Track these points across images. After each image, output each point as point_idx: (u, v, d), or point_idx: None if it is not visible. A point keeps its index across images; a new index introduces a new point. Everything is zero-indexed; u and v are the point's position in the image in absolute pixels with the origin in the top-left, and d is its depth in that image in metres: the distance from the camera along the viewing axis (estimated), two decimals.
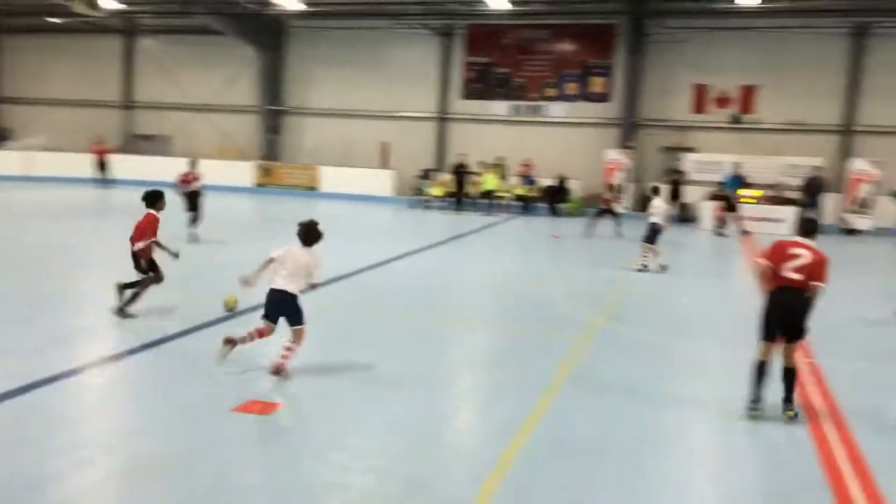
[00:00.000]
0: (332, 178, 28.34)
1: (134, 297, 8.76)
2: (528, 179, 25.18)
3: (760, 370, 6.30)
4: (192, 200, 15.53)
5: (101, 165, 27.64)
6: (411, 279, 12.85)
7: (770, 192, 22.85)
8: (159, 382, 6.93)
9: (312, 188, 28.53)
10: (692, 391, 7.32)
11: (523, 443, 5.78)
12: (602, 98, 27.30)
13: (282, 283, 7.01)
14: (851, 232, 22.49)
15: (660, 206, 14.12)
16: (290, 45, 30.62)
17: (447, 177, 25.97)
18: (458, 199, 24.80)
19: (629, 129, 26.28)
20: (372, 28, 28.70)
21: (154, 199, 9.04)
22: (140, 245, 8.78)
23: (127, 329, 8.46)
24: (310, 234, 7.23)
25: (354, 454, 5.44)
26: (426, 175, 26.84)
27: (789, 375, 6.33)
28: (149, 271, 8.88)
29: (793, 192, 22.73)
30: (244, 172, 29.01)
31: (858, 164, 22.65)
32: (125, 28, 32.08)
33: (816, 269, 6.27)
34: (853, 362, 8.54)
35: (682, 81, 26.31)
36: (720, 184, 23.24)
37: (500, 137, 27.94)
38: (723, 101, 26.05)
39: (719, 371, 8.19)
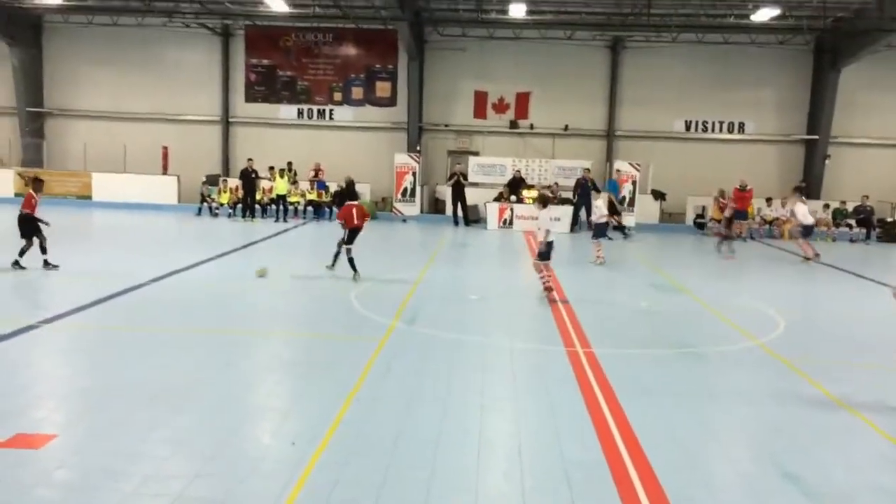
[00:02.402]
0: (106, 185, 26.34)
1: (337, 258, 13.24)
2: (320, 184, 25.01)
3: None
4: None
5: None
6: (201, 291, 12.27)
7: (546, 193, 24.42)
8: None
9: (85, 196, 26.34)
10: (481, 386, 7.67)
11: (325, 449, 5.75)
12: (388, 103, 27.78)
13: (551, 237, 12.01)
14: (618, 228, 24.64)
15: (601, 207, 16.82)
16: (50, 42, 28.09)
17: (236, 182, 25.08)
18: (247, 205, 24.02)
19: (415, 133, 26.97)
20: (143, 26, 27.08)
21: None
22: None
23: None
24: (548, 199, 12.79)
25: (141, 481, 5.11)
26: (212, 181, 25.75)
27: None
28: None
29: (567, 193, 24.49)
30: (3, 181, 26.12)
31: (620, 166, 24.90)
32: None
33: None
34: (623, 350, 9.38)
35: (463, 87, 27.47)
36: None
37: (288, 142, 27.56)
38: (501, 107, 27.53)
39: (506, 365, 8.63)
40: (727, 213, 19.90)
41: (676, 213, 26.17)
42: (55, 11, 26.19)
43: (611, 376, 7.96)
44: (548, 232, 12.03)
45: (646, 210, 25.23)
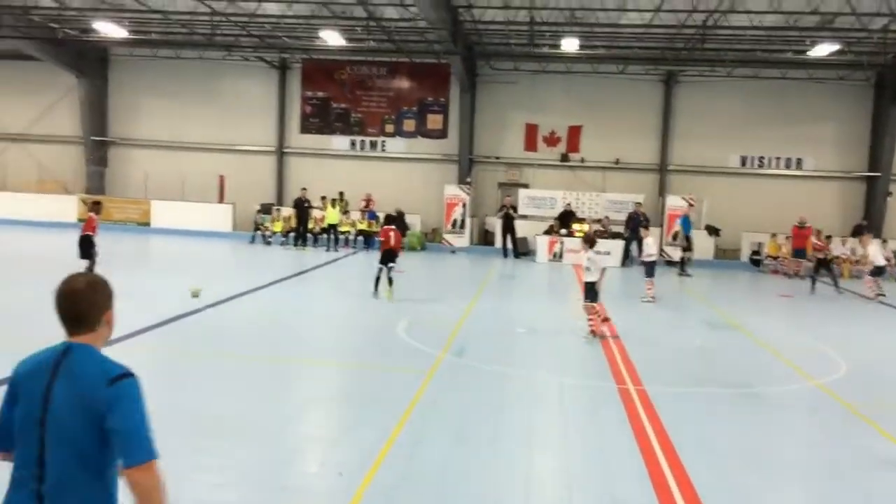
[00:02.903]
0: (165, 212, 27.03)
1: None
2: (370, 214, 25.27)
3: None
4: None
5: None
6: (253, 318, 12.43)
7: (597, 227, 24.25)
8: None
9: (144, 223, 27.06)
10: (529, 421, 7.56)
11: (372, 480, 5.71)
12: (439, 135, 28.01)
13: (592, 277, 11.34)
14: (671, 263, 24.29)
15: (651, 245, 16.70)
16: (115, 74, 29.15)
17: (289, 211, 25.50)
18: (300, 234, 24.37)
19: (466, 165, 27.10)
20: (203, 59, 27.90)
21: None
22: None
23: None
24: (595, 241, 11.91)
25: None
26: (266, 209, 26.24)
27: None
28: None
29: (618, 227, 24.26)
30: (67, 207, 27.01)
31: (673, 201, 24.58)
32: None
33: None
34: (675, 388, 9.16)
35: (514, 120, 27.56)
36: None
37: (341, 172, 27.93)
38: (552, 140, 27.52)
39: (555, 401, 8.50)
40: (821, 254, 19.75)
41: (731, 250, 25.66)
42: (121, 45, 27.17)
43: (663, 415, 7.76)
44: (603, 270, 11.73)
45: (700, 246, 24.76)
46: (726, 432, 7.52)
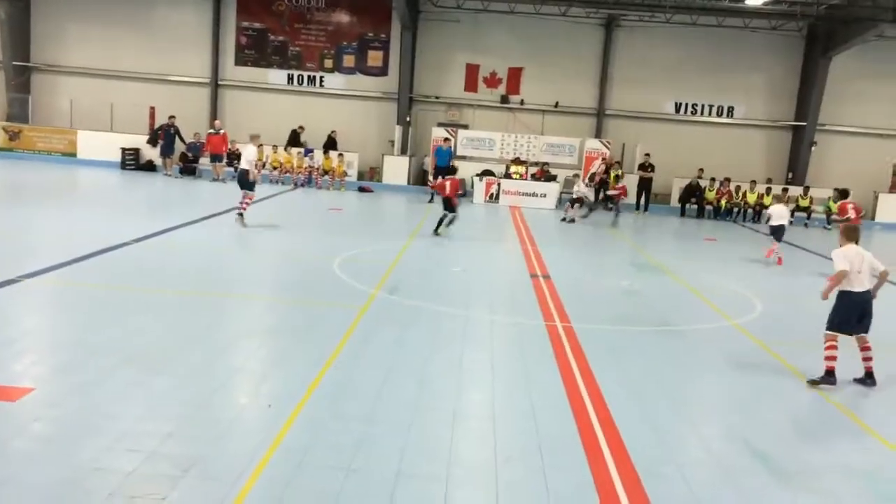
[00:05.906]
0: (92, 143, 26.03)
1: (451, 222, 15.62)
2: (306, 150, 24.88)
3: None
4: None
5: None
6: (180, 253, 12.26)
7: (535, 169, 24.47)
8: None
9: (70, 154, 26.06)
10: (460, 357, 7.76)
11: (300, 413, 5.82)
12: (379, 72, 27.59)
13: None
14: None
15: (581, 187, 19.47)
16: None
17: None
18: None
19: (406, 103, 26.83)
20: None
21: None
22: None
23: None
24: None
25: (115, 438, 5.15)
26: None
27: None
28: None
29: (555, 170, 24.53)
30: None
31: (591, 143, 25.16)
32: None
33: None
34: (601, 325, 9.50)
35: (455, 60, 27.31)
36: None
37: (277, 107, 27.34)
38: (492, 81, 27.42)
39: (482, 336, 8.72)
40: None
41: (662, 194, 26.26)
42: None
43: (588, 351, 8.07)
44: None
45: (632, 189, 25.27)
46: (646, 367, 7.87)
